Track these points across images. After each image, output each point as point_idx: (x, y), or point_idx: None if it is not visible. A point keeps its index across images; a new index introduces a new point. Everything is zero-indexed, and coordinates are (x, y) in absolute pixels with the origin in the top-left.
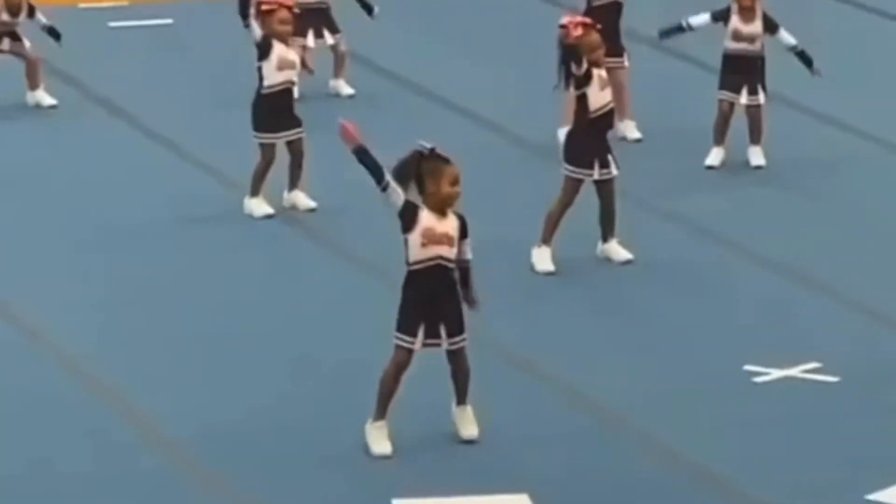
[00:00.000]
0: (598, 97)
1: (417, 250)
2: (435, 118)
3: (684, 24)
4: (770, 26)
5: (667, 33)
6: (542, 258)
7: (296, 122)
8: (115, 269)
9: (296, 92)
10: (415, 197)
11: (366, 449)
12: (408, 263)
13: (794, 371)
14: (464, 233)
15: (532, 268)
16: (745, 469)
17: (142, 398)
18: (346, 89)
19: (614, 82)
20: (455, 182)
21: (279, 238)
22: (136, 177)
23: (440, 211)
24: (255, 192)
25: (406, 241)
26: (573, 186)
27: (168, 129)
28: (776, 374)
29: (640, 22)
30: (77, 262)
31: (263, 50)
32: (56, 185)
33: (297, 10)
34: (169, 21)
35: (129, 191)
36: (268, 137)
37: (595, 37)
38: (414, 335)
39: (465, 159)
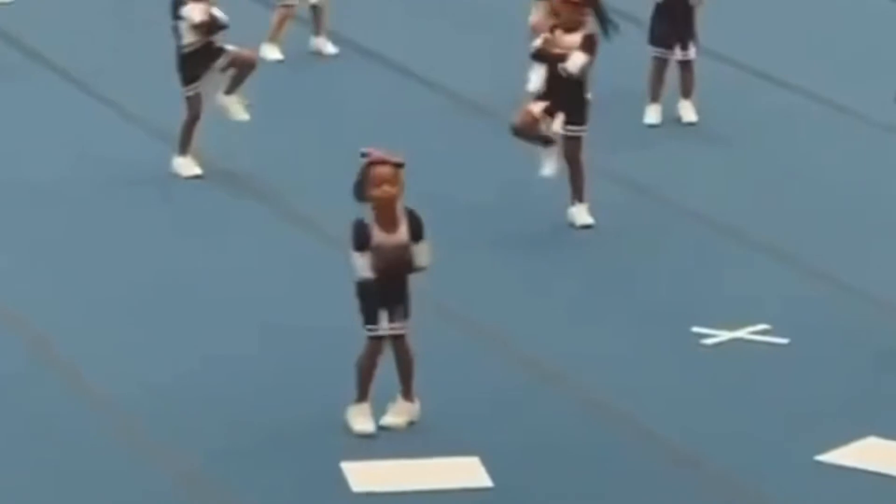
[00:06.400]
0: None
1: (371, 271)
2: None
3: None
4: None
5: None
6: None
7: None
8: (59, 228)
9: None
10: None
11: (344, 426)
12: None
13: (743, 333)
14: (416, 235)
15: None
16: (693, 431)
17: (86, 362)
18: (329, 48)
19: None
20: (382, 182)
21: (223, 199)
22: (78, 135)
23: (385, 221)
24: (183, 151)
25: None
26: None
27: (109, 89)
28: (725, 335)
29: None
30: (28, 219)
31: (174, 9)
32: None
33: None
34: None
35: (72, 150)
36: (192, 88)
37: None
38: (380, 321)
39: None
